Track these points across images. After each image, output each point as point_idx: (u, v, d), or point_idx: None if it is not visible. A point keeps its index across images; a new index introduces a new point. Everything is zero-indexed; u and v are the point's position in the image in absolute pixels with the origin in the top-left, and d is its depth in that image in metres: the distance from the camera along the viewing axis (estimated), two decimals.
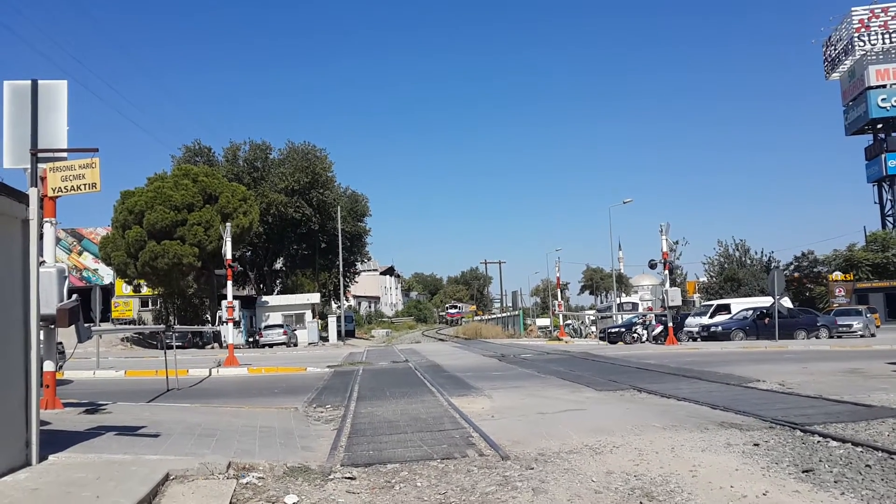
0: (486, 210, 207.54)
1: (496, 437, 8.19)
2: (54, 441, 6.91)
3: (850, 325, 32.62)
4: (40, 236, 6.40)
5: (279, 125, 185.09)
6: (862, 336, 31.63)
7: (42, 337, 6.74)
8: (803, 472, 6.20)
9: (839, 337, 30.75)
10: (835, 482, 5.84)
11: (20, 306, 6.13)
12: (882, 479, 5.86)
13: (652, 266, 36.63)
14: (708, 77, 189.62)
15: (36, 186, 6.63)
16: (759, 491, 5.62)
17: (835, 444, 7.28)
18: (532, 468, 6.68)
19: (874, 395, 10.99)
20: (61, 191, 7.45)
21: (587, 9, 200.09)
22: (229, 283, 24.98)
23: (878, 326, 36.77)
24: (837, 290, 48.46)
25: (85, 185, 7.34)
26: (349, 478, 6.56)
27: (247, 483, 6.23)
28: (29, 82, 7.37)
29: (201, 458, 6.66)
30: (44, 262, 7.77)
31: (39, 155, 7.14)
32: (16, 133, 7.29)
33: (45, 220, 8.19)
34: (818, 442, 7.43)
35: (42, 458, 6.25)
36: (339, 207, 52.43)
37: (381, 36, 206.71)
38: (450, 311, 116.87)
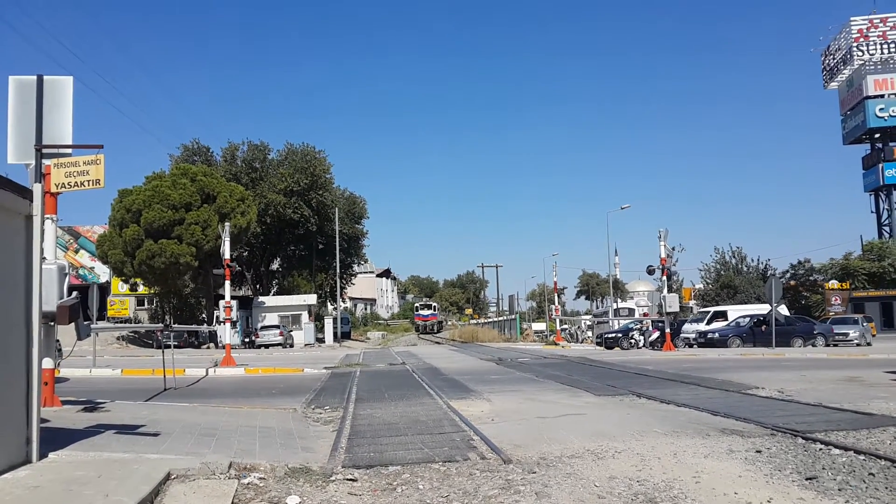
0: (484, 213, 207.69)
1: (497, 440, 8.16)
2: (54, 439, 6.86)
3: (846, 334, 32.64)
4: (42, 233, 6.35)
5: (277, 125, 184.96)
6: (858, 345, 31.65)
7: (42, 334, 6.69)
8: (807, 479, 6.18)
9: (835, 345, 30.77)
10: (839, 490, 5.83)
11: (22, 303, 6.09)
12: (886, 488, 5.85)
13: (650, 272, 36.62)
14: (706, 83, 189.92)
15: (40, 182, 6.60)
16: (764, 498, 5.60)
17: (837, 451, 7.26)
18: (534, 472, 6.65)
19: (874, 403, 10.98)
20: (65, 186, 7.41)
21: (586, 14, 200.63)
22: (227, 282, 24.92)
23: (874, 335, 36.76)
24: (833, 299, 48.52)
25: (89, 181, 7.30)
26: (351, 479, 6.53)
27: (248, 483, 6.20)
28: (34, 78, 7.33)
29: (202, 458, 6.63)
30: (45, 258, 7.72)
31: (44, 151, 7.10)
32: (20, 128, 7.25)
33: (46, 216, 8.15)
34: (820, 450, 7.41)
35: (42, 455, 6.21)
36: (337, 209, 52.39)
37: (381, 36, 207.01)
38: (420, 312, 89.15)
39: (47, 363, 9.03)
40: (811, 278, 54.40)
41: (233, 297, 28.57)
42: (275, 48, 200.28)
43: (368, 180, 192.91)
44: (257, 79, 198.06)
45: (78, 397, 11.60)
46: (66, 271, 8.81)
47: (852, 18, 61.06)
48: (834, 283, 50.30)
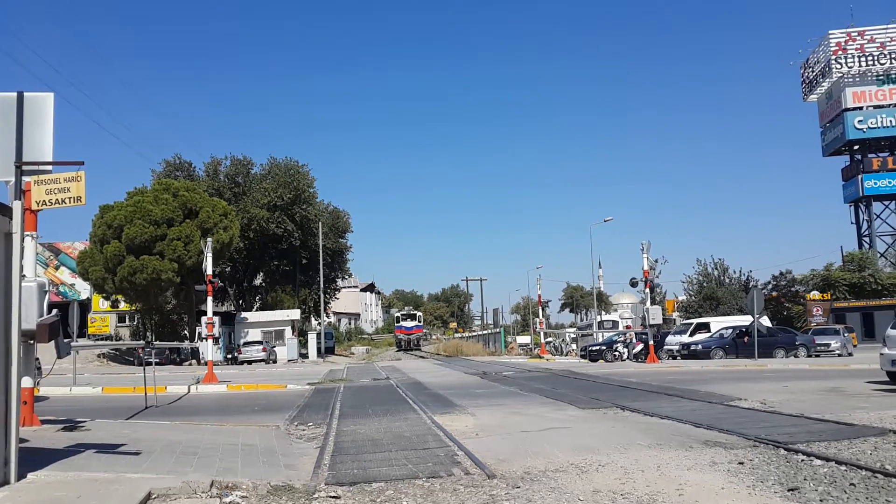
0: (468, 227, 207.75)
1: (481, 455, 8.15)
2: (33, 459, 6.78)
3: (828, 345, 32.97)
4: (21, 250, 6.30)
5: (260, 140, 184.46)
6: (840, 355, 31.96)
7: (21, 352, 6.62)
8: (789, 490, 6.22)
9: (817, 356, 31.05)
10: (820, 501, 5.87)
11: (1, 321, 6.04)
12: (867, 498, 5.90)
13: (633, 284, 36.95)
14: (687, 95, 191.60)
15: (20, 199, 6.55)
16: None
17: (819, 462, 7.31)
18: (518, 487, 6.64)
19: (855, 413, 11.07)
20: (45, 204, 7.37)
21: (569, 27, 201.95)
22: (209, 298, 24.78)
23: (855, 346, 37.16)
24: (815, 310, 48.98)
25: (70, 198, 7.26)
26: (334, 497, 6.49)
27: (230, 502, 6.15)
28: (14, 94, 7.28)
29: (183, 477, 6.57)
30: (24, 276, 7.65)
31: (24, 167, 7.05)
32: (0, 145, 7.21)
33: (25, 233, 8.08)
34: (802, 460, 7.46)
35: (21, 476, 6.14)
36: (320, 224, 52.27)
37: (363, 50, 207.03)
38: (402, 325, 76.63)
39: (26, 382, 8.94)
40: (793, 289, 54.91)
41: (215, 313, 28.42)
42: (258, 62, 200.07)
43: (352, 194, 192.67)
44: (240, 93, 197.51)
45: (58, 416, 11.48)
46: (47, 289, 8.74)
47: (830, 32, 62.09)
48: (815, 294, 50.83)
